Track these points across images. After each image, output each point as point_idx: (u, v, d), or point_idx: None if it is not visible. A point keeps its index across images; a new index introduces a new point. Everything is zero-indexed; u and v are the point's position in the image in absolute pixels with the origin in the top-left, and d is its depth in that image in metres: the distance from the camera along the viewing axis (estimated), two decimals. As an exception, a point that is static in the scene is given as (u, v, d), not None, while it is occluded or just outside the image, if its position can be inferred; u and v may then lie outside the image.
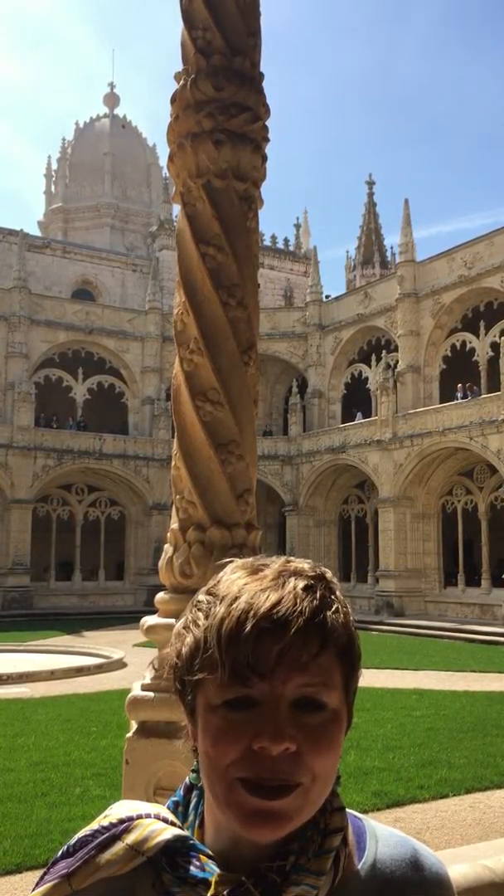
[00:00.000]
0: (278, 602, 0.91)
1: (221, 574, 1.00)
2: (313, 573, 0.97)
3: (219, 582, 0.98)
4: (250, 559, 1.01)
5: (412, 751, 9.81)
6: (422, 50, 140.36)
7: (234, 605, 0.92)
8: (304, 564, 0.99)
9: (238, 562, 1.01)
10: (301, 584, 0.94)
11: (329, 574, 1.00)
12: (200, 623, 0.96)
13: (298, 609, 0.91)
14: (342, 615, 0.96)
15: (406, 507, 30.64)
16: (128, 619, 27.96)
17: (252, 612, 0.90)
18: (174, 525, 2.97)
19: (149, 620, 3.00)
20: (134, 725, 2.92)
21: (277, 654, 0.90)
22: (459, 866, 3.03)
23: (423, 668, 17.97)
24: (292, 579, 0.94)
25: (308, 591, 0.94)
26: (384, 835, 1.05)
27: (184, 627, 0.99)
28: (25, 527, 33.07)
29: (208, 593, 0.98)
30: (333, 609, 0.95)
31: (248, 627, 0.90)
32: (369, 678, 15.10)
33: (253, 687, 0.90)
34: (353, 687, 0.98)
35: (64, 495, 36.26)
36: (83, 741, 10.22)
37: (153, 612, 3.12)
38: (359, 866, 1.00)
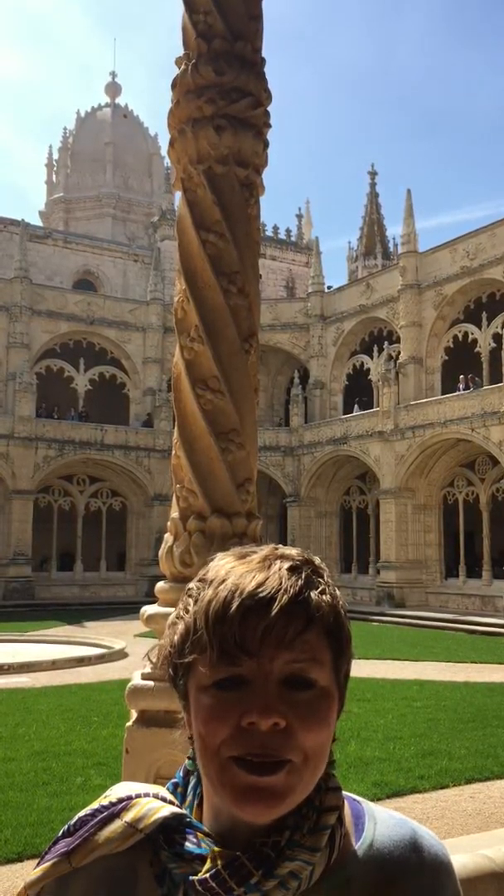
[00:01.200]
0: (263, 582, 0.93)
1: (211, 562, 1.02)
2: (300, 558, 0.99)
3: (208, 569, 1.00)
4: (240, 547, 1.03)
5: (413, 741, 9.83)
6: (425, 40, 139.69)
7: (221, 587, 0.94)
8: (291, 550, 1.00)
9: (229, 550, 1.03)
10: (286, 565, 0.96)
11: (317, 560, 1.01)
12: (191, 609, 0.98)
13: (283, 588, 0.93)
14: (329, 596, 0.96)
15: (407, 498, 30.64)
16: (129, 609, 28.00)
17: (238, 592, 0.92)
18: (174, 514, 2.96)
19: (148, 610, 2.99)
20: (134, 715, 2.91)
21: (263, 631, 0.91)
22: (459, 856, 3.03)
23: (423, 659, 18.00)
24: (278, 562, 0.96)
25: (293, 572, 0.95)
26: (383, 816, 1.06)
27: (176, 617, 1.01)
28: (27, 517, 33.10)
29: (199, 580, 1.00)
30: (319, 589, 0.96)
31: (234, 606, 0.91)
32: (370, 669, 15.12)
33: (241, 665, 0.91)
34: (343, 668, 0.99)
35: (65, 486, 36.28)
36: (84, 731, 10.25)
37: (154, 602, 3.11)
38: (356, 846, 1.01)
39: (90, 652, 17.94)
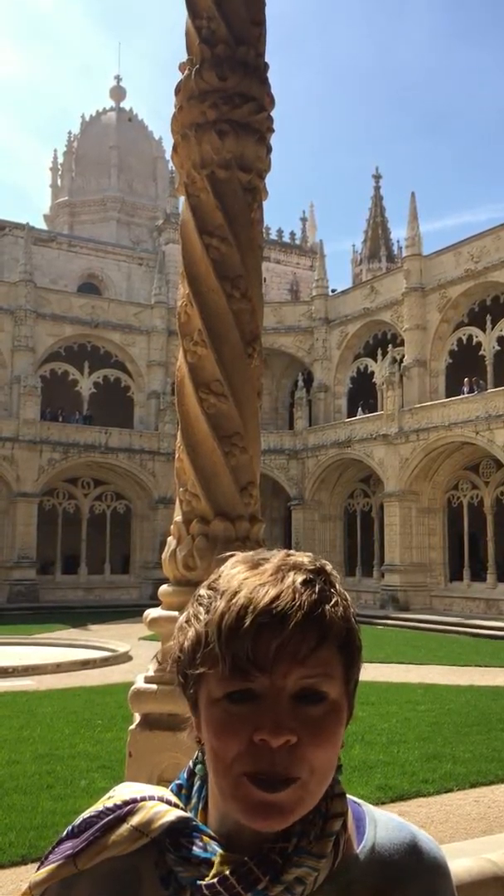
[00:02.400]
0: (277, 597, 0.92)
1: (222, 568, 1.01)
2: (312, 567, 0.98)
3: (219, 576, 0.99)
4: (251, 553, 1.02)
5: (417, 745, 9.81)
6: (428, 42, 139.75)
7: (234, 600, 0.93)
8: (303, 558, 0.99)
9: (238, 556, 1.02)
10: (300, 578, 0.95)
11: (328, 567, 1.00)
12: (201, 617, 0.97)
13: (297, 603, 0.92)
14: (341, 608, 0.96)
15: (411, 501, 30.61)
16: (133, 612, 27.97)
17: (251, 607, 0.91)
18: (177, 518, 2.96)
19: (152, 613, 3.00)
20: (137, 718, 2.92)
21: (276, 648, 0.90)
22: (463, 860, 3.02)
23: (427, 662, 17.97)
24: (291, 573, 0.95)
25: (307, 586, 0.94)
26: (383, 820, 1.07)
27: (186, 621, 1.00)
28: (31, 520, 33.14)
29: (209, 588, 1.00)
30: (332, 602, 0.95)
31: (248, 622, 0.91)
32: (374, 672, 15.10)
33: (254, 681, 0.91)
34: (353, 678, 0.99)
35: (70, 489, 36.33)
36: (88, 734, 10.25)
37: (158, 605, 3.12)
38: (358, 850, 1.02)
39: (94, 655, 17.95)
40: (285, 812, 0.91)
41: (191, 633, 0.98)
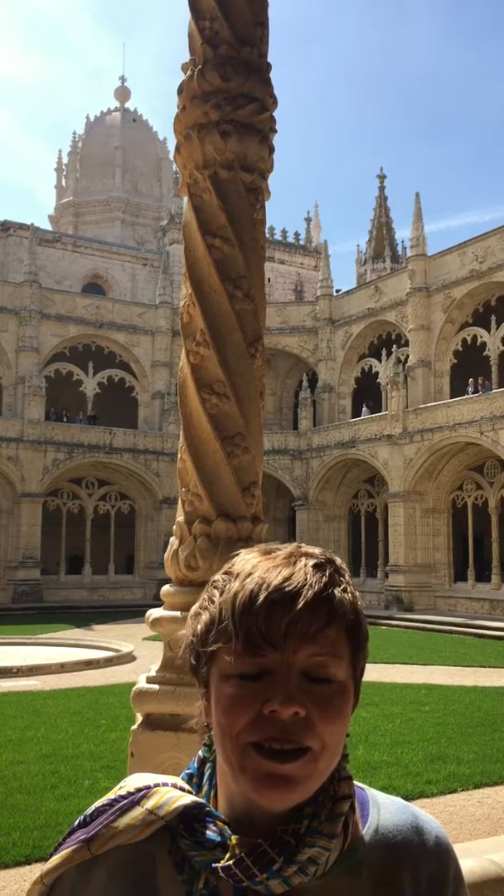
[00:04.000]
0: (289, 577, 0.96)
1: (236, 556, 1.05)
2: (323, 556, 1.02)
3: (234, 563, 1.03)
4: (264, 544, 1.06)
5: (421, 746, 9.79)
6: (432, 43, 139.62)
7: (248, 580, 0.97)
8: (314, 549, 1.04)
9: (253, 546, 1.06)
10: (311, 562, 0.99)
11: (338, 560, 1.04)
12: (216, 599, 1.01)
13: (308, 583, 0.96)
14: (350, 595, 1.00)
15: (416, 501, 30.58)
16: (137, 612, 27.94)
17: (264, 585, 0.95)
18: (180, 518, 2.96)
19: (154, 613, 3.00)
20: (139, 718, 2.92)
21: (287, 624, 0.94)
22: (465, 861, 3.02)
23: (432, 663, 17.95)
24: (303, 559, 1.00)
25: (318, 569, 0.98)
26: (385, 802, 1.11)
27: (200, 608, 1.04)
28: (36, 521, 33.18)
29: (224, 573, 1.03)
30: (342, 587, 0.99)
31: (261, 599, 0.94)
32: (378, 673, 15.09)
33: (265, 656, 0.94)
34: (359, 664, 1.02)
35: (74, 489, 36.36)
36: (92, 734, 10.26)
37: (162, 605, 3.12)
38: (363, 832, 1.05)
39: (99, 655, 17.97)
40: (294, 784, 0.94)
41: (205, 616, 1.01)
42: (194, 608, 1.05)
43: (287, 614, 0.94)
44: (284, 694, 0.93)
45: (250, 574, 0.98)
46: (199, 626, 1.02)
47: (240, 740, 0.94)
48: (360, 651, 1.01)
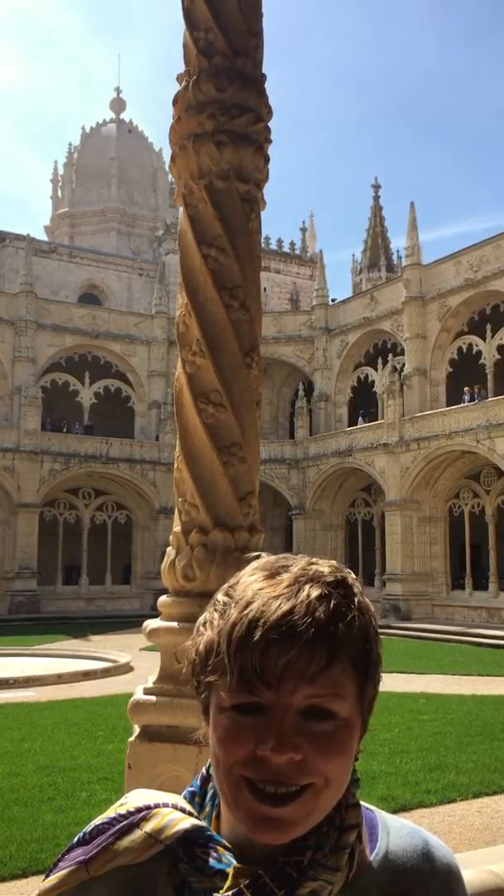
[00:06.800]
0: (289, 612, 0.90)
1: (241, 574, 0.99)
2: (332, 579, 0.95)
3: (237, 582, 0.98)
4: (273, 558, 1.00)
5: (419, 755, 9.76)
6: (426, 52, 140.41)
7: (246, 611, 0.91)
8: (324, 568, 0.96)
9: (261, 561, 1.00)
10: (315, 592, 0.92)
11: (350, 579, 0.97)
12: (215, 623, 0.96)
13: (308, 620, 0.89)
14: (357, 623, 0.93)
15: (413, 510, 30.57)
16: (134, 622, 27.88)
17: (262, 621, 0.90)
18: (176, 528, 2.96)
19: (151, 624, 2.99)
20: (136, 729, 2.90)
21: (284, 665, 0.89)
22: (465, 872, 3.00)
23: (430, 671, 17.91)
24: (307, 586, 0.92)
25: (322, 601, 0.91)
26: (396, 826, 1.06)
27: (203, 624, 0.99)
28: (32, 531, 33.11)
29: (226, 594, 0.98)
30: (348, 620, 0.92)
31: (257, 636, 0.89)
32: (376, 682, 15.03)
33: (260, 696, 0.90)
34: (368, 695, 0.97)
35: (71, 499, 36.31)
36: (89, 745, 10.21)
37: (159, 615, 3.11)
38: (371, 857, 1.01)
39: (96, 666, 17.90)
40: (288, 827, 0.90)
41: (206, 637, 0.97)
42: (198, 622, 1.01)
43: (284, 654, 0.88)
44: (278, 738, 0.88)
45: (249, 604, 0.91)
46: (200, 646, 0.98)
47: (233, 773, 0.91)
48: (368, 682, 0.95)
